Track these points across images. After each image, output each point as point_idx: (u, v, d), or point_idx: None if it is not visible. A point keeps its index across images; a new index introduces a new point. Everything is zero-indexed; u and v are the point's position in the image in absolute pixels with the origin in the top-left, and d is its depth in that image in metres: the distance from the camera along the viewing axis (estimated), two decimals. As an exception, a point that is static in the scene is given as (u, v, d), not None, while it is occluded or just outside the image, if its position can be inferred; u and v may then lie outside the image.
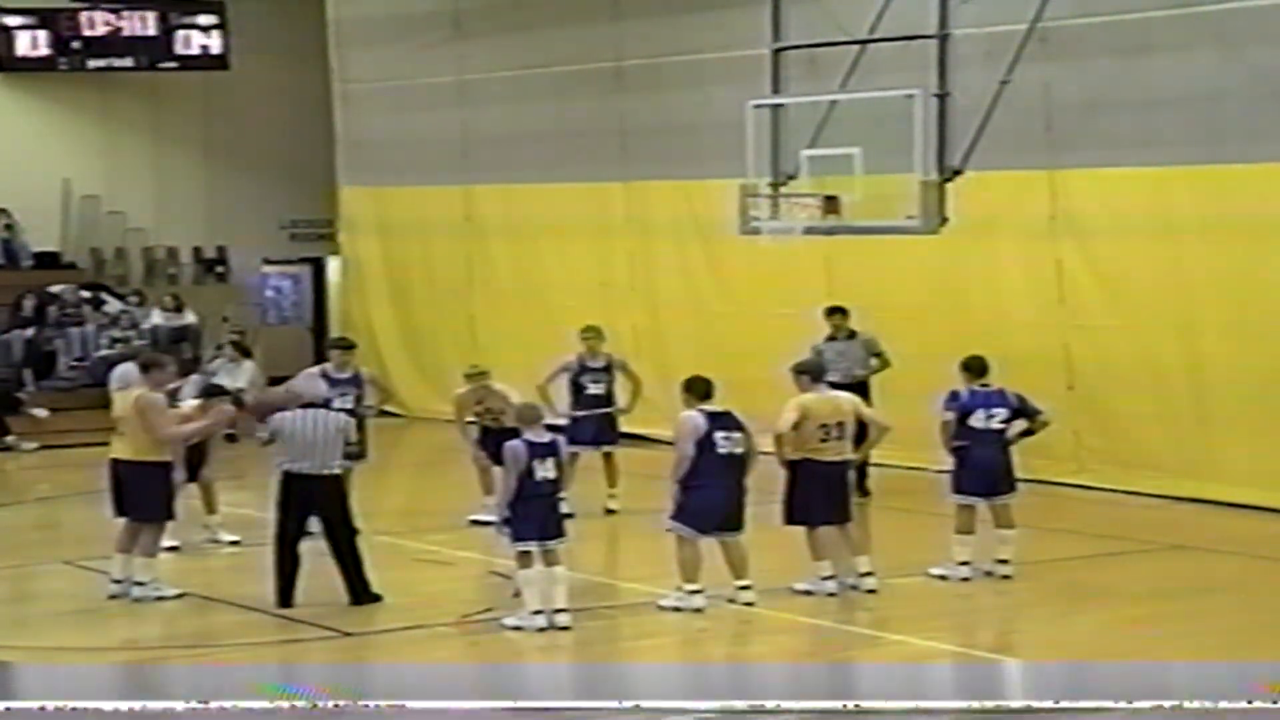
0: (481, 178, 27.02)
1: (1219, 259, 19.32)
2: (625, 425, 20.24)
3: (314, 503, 14.97)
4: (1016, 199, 20.72)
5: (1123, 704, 11.19)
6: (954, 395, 16.18)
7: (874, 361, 20.17)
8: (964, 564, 15.87)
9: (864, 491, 19.66)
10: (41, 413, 25.59)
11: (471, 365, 19.20)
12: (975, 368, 16.22)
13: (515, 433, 14.72)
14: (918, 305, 21.49)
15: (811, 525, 15.37)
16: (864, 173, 17.43)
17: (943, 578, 15.84)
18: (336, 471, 15.04)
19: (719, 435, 14.64)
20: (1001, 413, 16.01)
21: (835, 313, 20.35)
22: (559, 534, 14.34)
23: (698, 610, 14.67)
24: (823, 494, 15.34)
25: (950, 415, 16.08)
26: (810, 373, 15.77)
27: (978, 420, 15.94)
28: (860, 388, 20.05)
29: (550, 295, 25.70)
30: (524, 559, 14.22)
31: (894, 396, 21.04)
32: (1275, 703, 10.69)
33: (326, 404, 18.25)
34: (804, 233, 18.49)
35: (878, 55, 18.52)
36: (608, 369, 19.65)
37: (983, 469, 15.95)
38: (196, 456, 17.14)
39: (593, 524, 18.60)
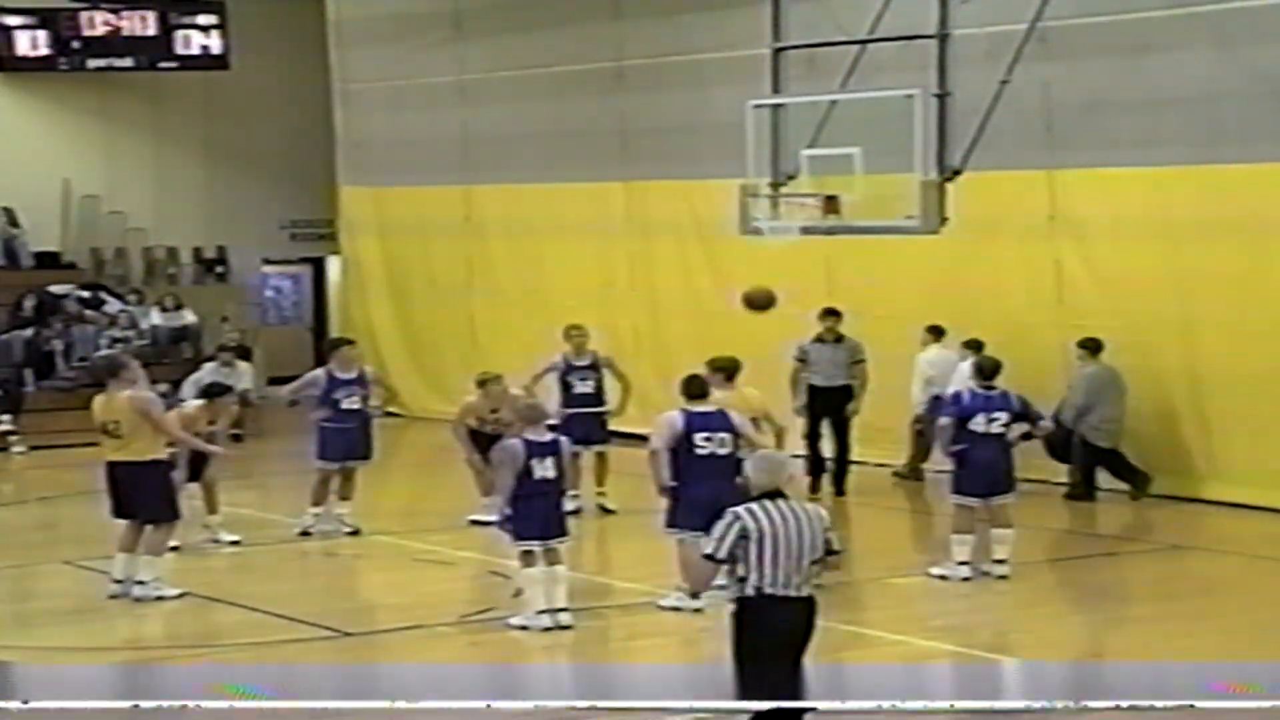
0: (481, 178, 27.02)
1: (1218, 259, 19.31)
2: (624, 424, 20.23)
3: (795, 638, 10.16)
4: (1016, 199, 20.72)
5: (1123, 704, 11.19)
6: (955, 397, 16.25)
7: (855, 369, 20.32)
8: (964, 564, 15.89)
9: (840, 491, 20.27)
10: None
11: (483, 372, 18.96)
12: (986, 369, 16.29)
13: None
14: (918, 305, 21.49)
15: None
16: (864, 173, 17.41)
17: (943, 578, 15.85)
18: (812, 594, 10.22)
19: (699, 436, 14.59)
20: (1002, 416, 16.03)
21: (829, 315, 20.52)
22: (561, 533, 14.36)
23: (697, 610, 14.67)
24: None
25: (947, 420, 16.09)
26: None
27: (978, 424, 15.97)
28: (844, 392, 20.28)
29: (550, 295, 25.68)
30: (526, 558, 14.24)
31: (894, 396, 21.09)
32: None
33: (335, 404, 18.39)
34: (804, 233, 18.48)
35: (878, 55, 18.51)
36: (594, 366, 19.65)
37: (983, 470, 15.97)
38: (199, 456, 17.15)
39: (591, 524, 18.64)
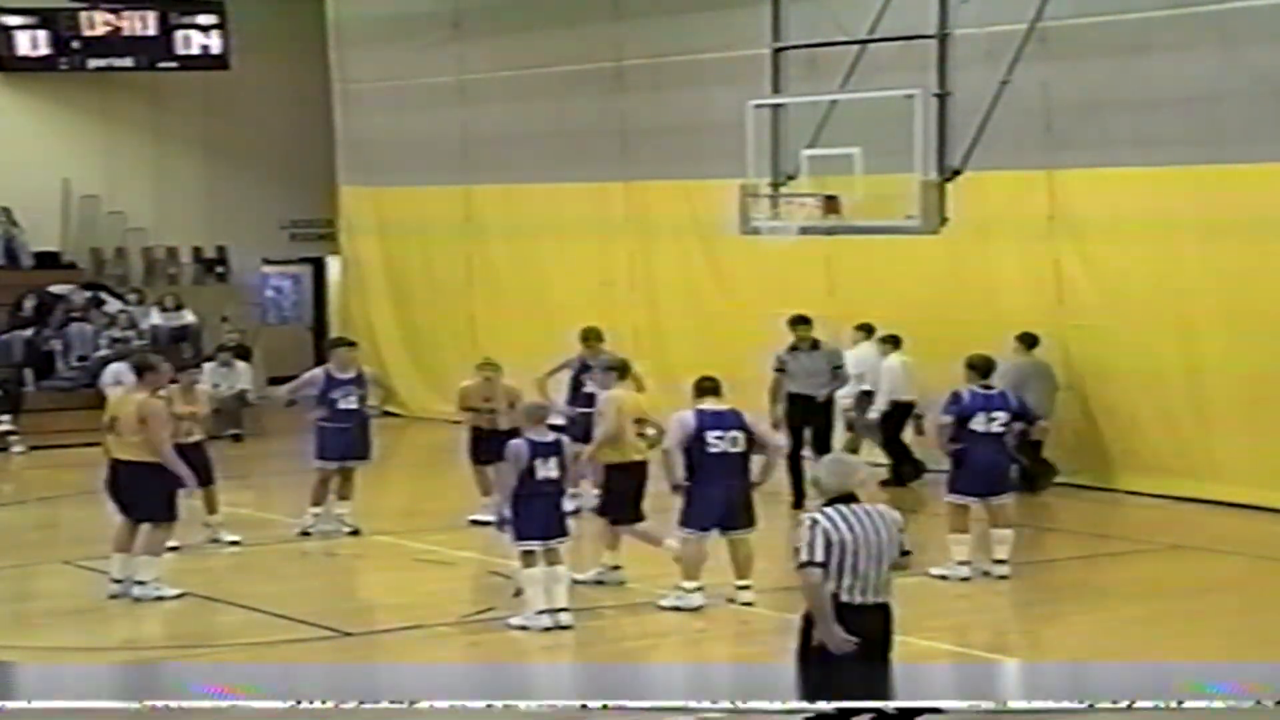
0: (481, 178, 27.02)
1: (1218, 259, 19.32)
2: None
3: (871, 646, 9.83)
4: (1015, 199, 20.72)
5: (1123, 704, 11.19)
6: (955, 398, 16.18)
7: (836, 374, 19.89)
8: (963, 563, 15.88)
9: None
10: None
11: (484, 359, 19.16)
12: (981, 367, 16.26)
13: (510, 436, 14.75)
14: (917, 305, 21.49)
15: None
16: (864, 173, 17.43)
17: (943, 577, 15.84)
18: (889, 600, 10.00)
19: (711, 434, 14.66)
20: (1002, 415, 16.04)
21: (799, 323, 19.85)
22: (562, 533, 14.37)
23: (697, 609, 14.68)
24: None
25: (948, 419, 16.07)
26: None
27: (979, 423, 15.97)
28: (825, 404, 19.78)
29: (550, 295, 25.70)
30: (527, 558, 14.24)
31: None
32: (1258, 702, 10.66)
33: (332, 403, 18.39)
34: (803, 232, 18.50)
35: (878, 55, 18.52)
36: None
37: (982, 470, 15.98)
38: (200, 460, 17.17)
39: (591, 524, 18.61)
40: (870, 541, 9.65)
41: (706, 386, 15.01)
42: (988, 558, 15.96)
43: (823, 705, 9.85)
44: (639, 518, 15.69)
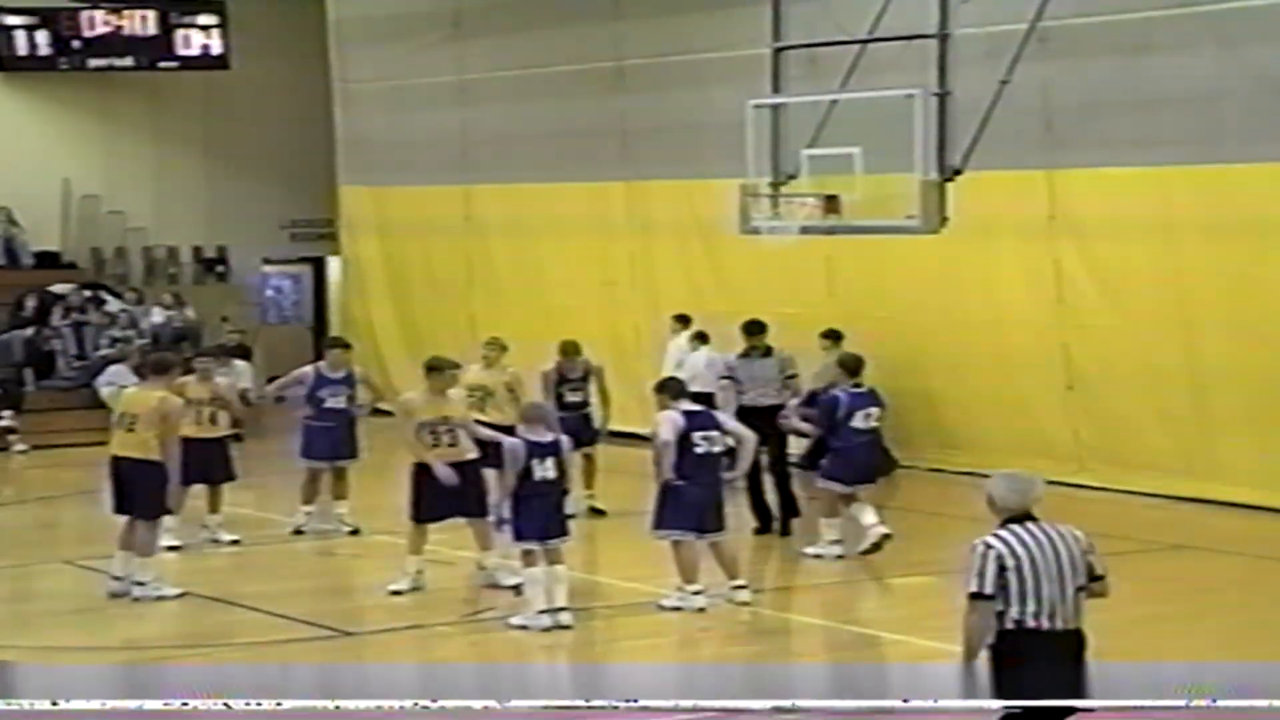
0: (481, 178, 27.02)
1: (1219, 259, 19.32)
2: (624, 424, 20.26)
3: (1063, 675, 9.19)
4: (1016, 199, 20.71)
5: (1123, 704, 11.19)
6: (833, 400, 16.96)
7: (789, 383, 18.48)
8: (836, 542, 16.68)
9: (785, 531, 18.54)
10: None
11: (490, 338, 19.57)
12: (852, 366, 17.14)
13: (506, 430, 14.79)
14: (917, 305, 21.49)
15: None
16: (864, 172, 17.41)
17: (818, 556, 16.65)
18: (1080, 626, 9.31)
19: (697, 435, 14.73)
20: (876, 411, 17.01)
21: (754, 329, 18.67)
22: (562, 533, 14.38)
23: (700, 610, 14.68)
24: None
25: (839, 419, 16.81)
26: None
27: (858, 420, 16.81)
28: (773, 411, 18.25)
29: (551, 295, 25.70)
30: (527, 558, 14.24)
31: (893, 396, 21.05)
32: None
33: (319, 402, 18.41)
34: (803, 232, 18.47)
35: (878, 55, 18.50)
36: (585, 377, 19.69)
37: (862, 462, 16.89)
38: (221, 456, 17.30)
39: (591, 524, 18.63)
40: (1050, 563, 9.05)
41: (679, 389, 15.11)
42: (862, 535, 16.65)
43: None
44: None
